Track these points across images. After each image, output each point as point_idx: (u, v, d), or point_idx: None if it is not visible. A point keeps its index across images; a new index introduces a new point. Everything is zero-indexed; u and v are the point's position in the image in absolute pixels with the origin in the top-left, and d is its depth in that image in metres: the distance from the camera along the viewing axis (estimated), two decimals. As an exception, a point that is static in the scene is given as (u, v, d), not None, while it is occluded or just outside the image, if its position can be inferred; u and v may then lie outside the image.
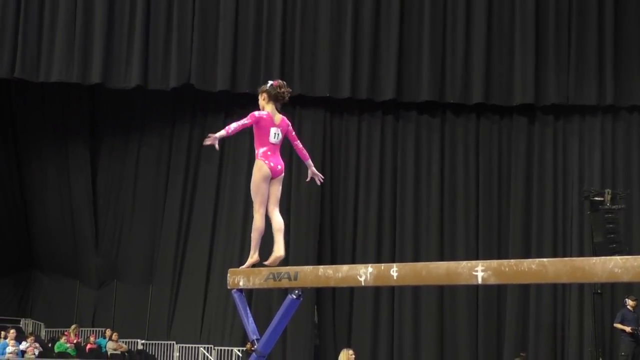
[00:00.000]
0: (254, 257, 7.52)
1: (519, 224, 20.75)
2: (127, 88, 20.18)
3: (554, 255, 19.26)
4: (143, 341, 21.60)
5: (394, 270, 6.02)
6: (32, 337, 19.74)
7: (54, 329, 22.45)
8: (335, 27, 20.47)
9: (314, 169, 7.78)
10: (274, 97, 7.54)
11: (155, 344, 21.45)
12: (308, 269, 6.99)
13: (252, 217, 7.61)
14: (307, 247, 20.50)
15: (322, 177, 7.88)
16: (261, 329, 7.29)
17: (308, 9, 20.50)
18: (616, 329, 17.47)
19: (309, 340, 20.50)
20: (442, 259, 18.84)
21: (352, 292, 20.49)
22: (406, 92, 20.63)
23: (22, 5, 19.45)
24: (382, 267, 6.18)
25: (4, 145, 23.29)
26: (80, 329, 21.51)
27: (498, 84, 20.64)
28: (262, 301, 19.58)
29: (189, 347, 20.82)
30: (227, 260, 19.87)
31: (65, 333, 20.58)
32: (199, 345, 20.65)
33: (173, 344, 21.14)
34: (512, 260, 5.49)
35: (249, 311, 7.40)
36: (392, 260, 19.80)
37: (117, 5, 19.90)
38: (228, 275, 7.55)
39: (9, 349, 18.59)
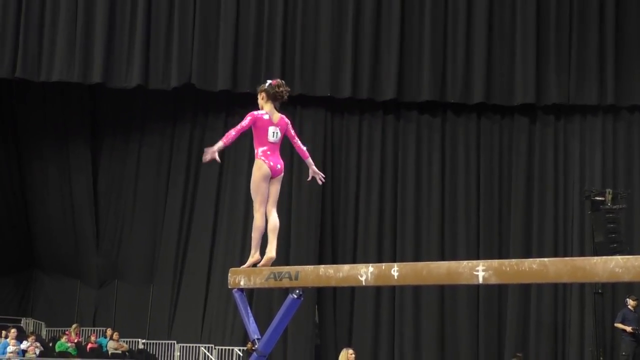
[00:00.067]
0: (254, 256, 7.52)
1: (520, 223, 20.75)
2: (128, 88, 20.19)
3: (555, 255, 19.26)
4: (144, 341, 21.61)
5: (395, 270, 6.03)
6: (33, 337, 19.74)
7: (55, 329, 22.46)
8: (336, 26, 20.47)
9: (314, 167, 7.75)
10: (272, 97, 7.56)
11: (156, 343, 21.46)
12: (309, 268, 6.99)
13: (252, 217, 7.60)
14: (308, 246, 20.51)
15: (324, 176, 7.84)
16: (262, 329, 7.30)
17: (309, 9, 20.50)
18: (617, 328, 17.47)
19: (310, 340, 20.51)
20: (442, 259, 18.84)
21: (353, 292, 20.49)
22: (407, 92, 20.63)
23: (23, 5, 19.45)
24: (383, 267, 6.18)
25: (5, 145, 23.30)
26: (81, 328, 21.52)
27: (499, 84, 20.64)
28: (263, 301, 19.59)
29: (189, 346, 20.82)
30: (228, 259, 19.88)
31: (66, 332, 20.59)
32: (200, 345, 20.65)
33: (174, 343, 21.14)
34: (513, 260, 5.49)
35: (249, 311, 7.40)
36: (393, 260, 19.81)
37: (118, 5, 19.90)
38: (229, 274, 7.55)
39: (10, 348, 18.60)
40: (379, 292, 20.46)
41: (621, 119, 20.87)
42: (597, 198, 18.21)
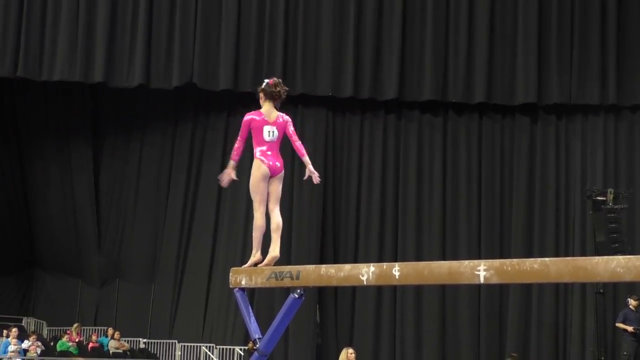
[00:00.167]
0: (256, 255, 7.53)
1: (521, 223, 20.74)
2: (129, 87, 20.18)
3: (556, 255, 19.27)
4: (145, 340, 21.61)
5: (396, 270, 6.02)
6: (35, 336, 19.72)
7: (56, 328, 22.47)
8: (338, 26, 20.46)
9: (311, 167, 7.68)
10: (270, 96, 7.59)
11: (157, 342, 21.46)
12: (310, 268, 6.98)
13: (254, 216, 7.61)
14: (310, 246, 20.51)
15: (319, 176, 7.77)
16: (263, 328, 7.30)
17: (310, 8, 20.50)
18: (618, 328, 17.47)
19: (311, 339, 20.51)
20: (444, 259, 18.84)
21: (354, 292, 20.49)
22: (408, 92, 20.62)
23: (24, 4, 19.45)
24: (385, 267, 6.18)
25: (6, 145, 23.31)
26: (83, 327, 21.52)
27: (500, 84, 20.63)
28: (264, 300, 19.59)
29: (191, 346, 20.82)
30: (229, 259, 19.89)
31: (68, 332, 20.58)
32: (201, 344, 20.66)
33: (175, 342, 21.14)
34: (514, 260, 5.49)
35: (251, 310, 7.41)
36: (394, 259, 19.81)
37: (119, 4, 19.89)
38: (230, 274, 7.56)
39: (11, 347, 18.59)
40: (380, 292, 20.46)
41: (623, 119, 20.87)
42: (599, 198, 18.22)
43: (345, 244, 20.92)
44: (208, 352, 20.44)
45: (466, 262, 5.71)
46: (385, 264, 6.22)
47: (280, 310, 7.12)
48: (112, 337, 20.77)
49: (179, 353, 20.95)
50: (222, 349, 20.43)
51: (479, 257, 19.31)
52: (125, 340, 21.04)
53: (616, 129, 20.88)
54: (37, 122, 22.99)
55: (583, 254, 19.07)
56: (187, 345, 20.88)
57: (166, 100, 21.87)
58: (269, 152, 7.51)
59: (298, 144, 7.61)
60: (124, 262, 22.74)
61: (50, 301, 23.49)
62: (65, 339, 20.06)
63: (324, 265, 7.03)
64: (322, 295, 20.59)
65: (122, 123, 22.70)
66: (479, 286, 18.87)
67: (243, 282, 7.36)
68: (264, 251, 7.52)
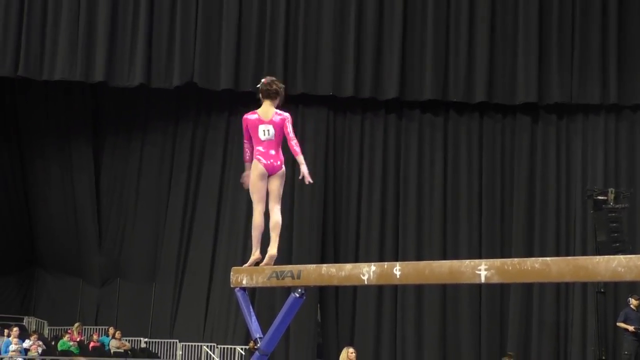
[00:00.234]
0: (255, 254, 7.54)
1: (522, 222, 20.75)
2: (130, 86, 20.19)
3: (557, 254, 19.27)
4: (146, 339, 21.61)
5: (397, 269, 6.02)
6: (36, 335, 19.73)
7: (57, 327, 22.48)
8: (339, 25, 20.46)
9: (304, 167, 7.51)
10: (266, 94, 7.60)
11: (158, 342, 21.46)
12: (311, 267, 6.98)
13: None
14: (310, 245, 20.51)
15: (311, 180, 7.67)
16: (264, 328, 7.29)
17: (311, 8, 20.50)
18: (619, 328, 17.48)
19: (312, 338, 20.52)
20: (445, 258, 18.82)
21: (355, 291, 20.49)
22: (409, 91, 20.63)
23: (25, 4, 19.45)
24: (385, 266, 6.18)
25: (7, 144, 23.32)
26: (84, 327, 21.51)
27: (501, 83, 20.63)
28: (265, 300, 19.59)
29: (192, 345, 20.83)
30: (230, 258, 19.90)
31: (69, 331, 20.59)
32: (202, 344, 20.66)
33: (176, 342, 21.14)
34: (515, 259, 5.49)
35: (252, 310, 7.40)
36: (395, 259, 19.82)
37: (120, 3, 19.90)
38: (231, 273, 7.56)
39: (12, 347, 18.59)
40: (381, 291, 20.46)
41: (624, 118, 20.87)
42: (600, 197, 18.22)
43: (346, 243, 20.93)
44: (209, 352, 20.45)
45: (467, 261, 5.71)
46: (386, 263, 6.22)
47: (281, 309, 7.12)
48: (113, 337, 20.77)
49: (180, 352, 20.96)
50: (223, 348, 20.44)
51: (480, 257, 19.32)
52: (126, 340, 21.04)
53: (617, 128, 20.88)
54: (38, 122, 23.00)
55: (584, 253, 19.05)
56: (188, 345, 20.88)
57: (167, 100, 21.87)
58: (265, 151, 7.51)
59: (293, 143, 7.49)
60: (125, 261, 22.75)
61: (51, 301, 23.50)
62: (66, 338, 20.06)
63: (324, 265, 7.02)
64: (323, 294, 20.60)
65: (123, 122, 22.71)
66: (479, 286, 18.87)
67: (244, 282, 7.36)
68: (265, 250, 7.52)
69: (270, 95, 7.59)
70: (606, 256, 5.01)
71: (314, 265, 7.14)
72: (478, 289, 20.27)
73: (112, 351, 20.41)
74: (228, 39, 20.13)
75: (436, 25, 20.61)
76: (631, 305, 17.12)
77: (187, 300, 21.55)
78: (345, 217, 21.01)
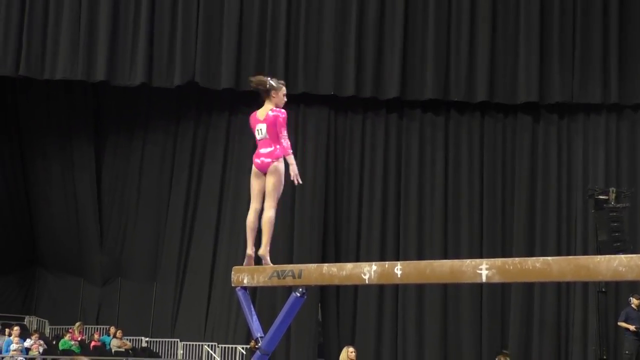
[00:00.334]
0: (247, 252, 7.63)
1: (523, 222, 20.74)
2: (131, 86, 20.19)
3: (558, 254, 19.25)
4: (147, 339, 21.62)
5: (398, 269, 6.03)
6: (37, 335, 19.74)
7: (59, 327, 22.48)
8: (340, 25, 20.46)
9: (293, 168, 7.49)
10: (261, 94, 7.65)
11: (159, 341, 21.47)
12: (312, 266, 6.99)
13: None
14: (311, 245, 20.51)
15: (300, 180, 7.63)
16: (265, 327, 7.30)
17: (312, 7, 20.50)
18: (620, 327, 17.47)
19: (313, 338, 20.52)
20: (446, 258, 18.82)
21: (356, 290, 20.50)
22: (410, 91, 20.62)
23: (26, 3, 19.46)
24: (386, 265, 6.18)
25: (8, 143, 23.33)
26: (85, 326, 21.52)
27: (502, 83, 20.63)
28: (266, 299, 19.59)
29: (193, 344, 20.83)
30: (231, 257, 19.89)
31: (70, 330, 20.60)
32: (203, 343, 20.67)
33: (177, 341, 21.16)
34: (516, 259, 5.49)
35: (253, 309, 7.42)
36: (396, 258, 19.81)
37: (121, 2, 19.90)
38: (232, 273, 7.58)
39: (13, 346, 18.61)
40: (382, 291, 20.47)
41: (625, 118, 20.86)
42: (601, 197, 18.20)
43: (347, 242, 20.93)
44: (210, 351, 20.46)
45: (468, 261, 5.72)
46: (387, 262, 6.23)
47: (282, 309, 7.13)
48: (114, 336, 20.77)
49: (181, 352, 20.96)
50: (224, 347, 20.45)
51: (481, 256, 19.33)
52: (127, 339, 21.05)
53: (618, 127, 20.87)
54: (39, 121, 23.00)
55: (585, 253, 19.06)
56: (189, 344, 20.89)
57: (168, 99, 21.88)
58: (258, 150, 7.57)
59: (283, 142, 7.48)
60: (126, 260, 22.75)
61: (53, 300, 23.50)
62: (67, 337, 20.08)
63: (325, 264, 7.03)
64: (324, 294, 20.60)
65: (124, 121, 22.71)
66: (480, 285, 18.88)
67: (245, 281, 7.37)
68: (270, 250, 7.57)
69: (261, 93, 7.64)
70: (607, 256, 5.02)
71: (315, 265, 7.15)
72: (479, 289, 20.27)
73: (113, 350, 20.42)
74: (229, 38, 20.13)
75: (437, 24, 20.61)
76: (632, 305, 17.11)
77: (188, 300, 21.55)
78: (346, 216, 21.01)
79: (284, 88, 7.68)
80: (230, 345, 20.37)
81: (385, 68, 20.49)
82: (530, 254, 19.59)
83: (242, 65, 20.14)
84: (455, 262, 5.78)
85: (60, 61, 19.56)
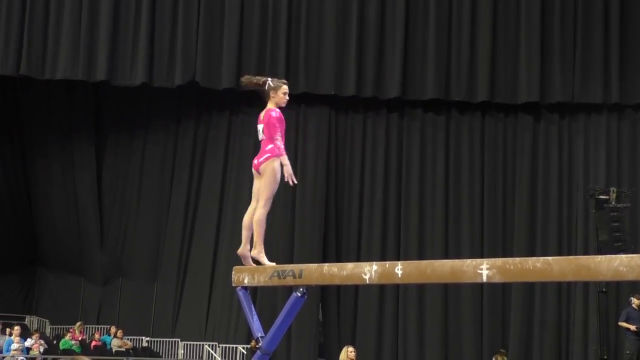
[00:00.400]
0: (239, 250, 7.68)
1: (524, 222, 20.74)
2: (132, 85, 20.19)
3: (559, 254, 19.25)
4: (148, 338, 21.62)
5: (399, 268, 6.03)
6: (37, 334, 19.75)
7: (59, 326, 22.48)
8: (341, 24, 20.46)
9: (287, 169, 7.46)
10: (262, 94, 7.68)
11: (160, 341, 21.48)
12: (313, 266, 6.99)
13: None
14: (312, 244, 20.51)
15: (295, 180, 7.60)
16: (266, 327, 7.30)
17: (313, 7, 20.50)
18: (621, 327, 17.47)
19: (314, 338, 20.52)
20: (446, 257, 18.82)
21: (356, 290, 20.49)
22: (411, 90, 20.62)
23: (27, 3, 19.46)
24: (387, 265, 6.19)
25: (9, 143, 23.33)
26: (85, 326, 21.53)
27: (503, 82, 20.62)
28: (267, 299, 19.59)
29: (193, 344, 20.84)
30: (231, 257, 19.78)
31: (71, 330, 20.61)
32: (204, 343, 20.67)
33: (178, 341, 21.16)
34: (517, 259, 5.49)
35: (253, 309, 7.42)
36: (397, 258, 19.81)
37: (122, 2, 19.90)
38: (233, 272, 7.57)
39: (14, 345, 18.61)
40: (383, 291, 20.46)
41: (626, 118, 20.85)
42: (602, 196, 18.20)
43: (347, 242, 20.92)
44: (211, 351, 20.46)
45: (469, 260, 5.72)
46: (387, 262, 6.23)
47: (282, 308, 7.13)
48: (115, 336, 20.78)
49: (182, 351, 20.97)
50: (225, 347, 20.45)
51: (482, 256, 19.32)
52: (127, 339, 21.05)
53: (619, 127, 20.86)
54: (40, 120, 23.01)
55: (586, 252, 19.05)
56: (190, 344, 20.89)
57: (169, 99, 21.89)
58: (259, 151, 7.59)
59: (277, 142, 7.44)
60: (127, 260, 22.75)
61: (53, 299, 23.50)
62: (68, 337, 20.09)
63: (326, 264, 7.03)
64: (325, 293, 20.60)
65: (125, 121, 22.72)
66: (481, 285, 18.87)
67: (246, 281, 7.37)
68: (267, 251, 7.57)
69: (259, 95, 7.67)
70: (608, 255, 5.02)
71: (316, 265, 7.15)
72: (480, 288, 20.27)
73: (113, 350, 20.42)
74: (230, 38, 20.13)
75: (438, 24, 20.60)
76: (633, 305, 17.11)
77: (188, 299, 21.55)
78: (347, 216, 21.00)
79: (283, 87, 7.63)
80: (231, 345, 20.38)
81: (386, 68, 20.49)
82: (531, 253, 19.58)
83: (242, 65, 20.13)
84: (456, 262, 5.78)
85: (61, 61, 19.57)
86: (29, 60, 19.43)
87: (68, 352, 19.38)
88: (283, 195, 19.37)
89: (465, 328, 20.48)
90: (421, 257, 19.57)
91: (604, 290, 18.45)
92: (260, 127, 7.57)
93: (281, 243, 20.39)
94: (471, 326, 20.47)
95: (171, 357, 21.01)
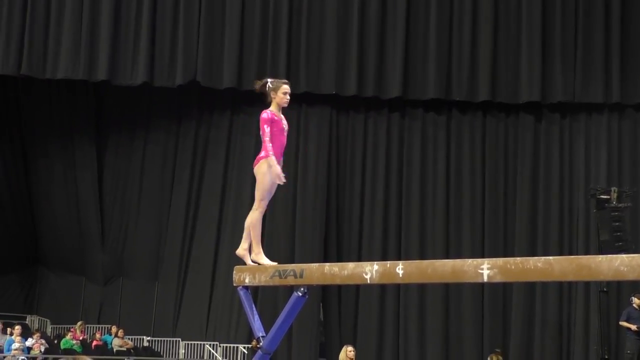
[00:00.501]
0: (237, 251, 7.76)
1: (525, 222, 20.73)
2: (133, 85, 20.20)
3: (560, 254, 19.24)
4: (149, 338, 21.63)
5: (400, 268, 6.03)
6: (38, 334, 19.76)
7: (60, 326, 22.50)
8: (342, 24, 20.46)
9: (272, 169, 7.44)
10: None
11: (161, 340, 21.48)
12: (314, 266, 6.99)
13: (262, 215, 7.80)
14: (313, 244, 20.51)
15: (284, 180, 7.58)
16: (267, 327, 7.30)
17: (314, 7, 20.50)
18: (622, 327, 17.46)
19: (315, 337, 20.52)
20: (447, 257, 18.81)
21: (357, 290, 20.49)
22: (412, 90, 20.62)
23: (28, 2, 19.47)
24: (388, 265, 6.19)
25: (10, 143, 23.33)
26: (86, 325, 21.54)
27: (504, 82, 20.62)
28: (268, 298, 19.59)
29: (194, 344, 20.84)
30: (232, 257, 19.68)
31: (71, 330, 20.61)
32: (205, 343, 20.68)
33: (179, 340, 21.16)
34: (518, 258, 5.50)
35: (254, 308, 7.42)
36: (398, 258, 19.80)
37: (123, 2, 19.91)
38: (234, 272, 7.58)
39: (15, 345, 18.60)
40: (384, 290, 20.46)
41: (627, 117, 20.85)
42: (603, 196, 18.18)
43: (348, 242, 20.92)
44: (212, 350, 20.46)
45: (470, 260, 5.72)
46: (388, 262, 6.23)
47: (283, 308, 7.13)
48: (116, 335, 20.79)
49: (183, 351, 20.97)
50: (226, 347, 20.45)
51: (483, 256, 19.32)
52: (129, 338, 21.06)
53: (620, 127, 20.86)
54: (41, 120, 23.02)
55: (587, 252, 19.04)
56: (191, 344, 20.90)
57: (170, 99, 21.89)
58: None
59: (265, 144, 7.42)
60: (128, 260, 22.76)
61: (54, 299, 23.51)
62: (69, 336, 20.09)
63: (327, 264, 7.03)
64: (326, 293, 20.59)
65: (126, 121, 22.72)
66: (482, 285, 18.87)
67: (247, 280, 7.37)
68: (267, 252, 7.59)
69: (261, 95, 7.67)
70: (609, 255, 5.02)
71: (317, 264, 7.15)
72: (481, 288, 20.27)
73: (114, 350, 20.43)
74: (231, 37, 20.14)
75: (439, 24, 20.60)
76: (634, 304, 17.09)
77: (189, 299, 21.56)
78: (348, 216, 21.00)
79: (283, 87, 7.58)
80: (231, 345, 20.38)
81: (387, 67, 20.49)
82: (532, 253, 19.57)
83: (243, 65, 20.15)
84: (457, 262, 5.78)
85: (62, 60, 19.58)
86: (30, 60, 19.44)
87: (69, 351, 19.38)
88: (284, 195, 19.38)
89: (466, 328, 20.48)
90: (422, 256, 19.57)
91: (604, 290, 18.44)
92: None
93: (282, 243, 20.41)
94: (472, 326, 20.46)
95: (172, 356, 21.01)
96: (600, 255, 5.11)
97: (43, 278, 23.95)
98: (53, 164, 23.15)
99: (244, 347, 20.00)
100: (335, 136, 21.16)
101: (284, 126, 7.54)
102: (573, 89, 20.47)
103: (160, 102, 22.22)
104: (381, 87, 20.51)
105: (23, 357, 18.43)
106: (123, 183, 22.91)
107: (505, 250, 20.47)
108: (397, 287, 20.09)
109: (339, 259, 19.97)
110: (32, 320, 23.26)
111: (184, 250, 21.79)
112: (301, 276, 6.79)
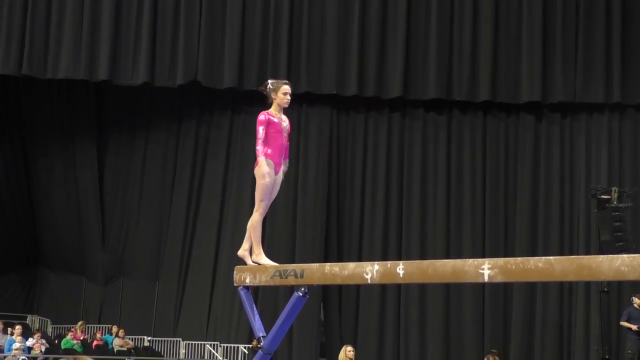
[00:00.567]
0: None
1: (526, 222, 20.73)
2: (134, 85, 20.20)
3: (561, 254, 19.23)
4: (149, 338, 21.63)
5: (400, 268, 6.03)
6: (39, 334, 19.76)
7: (61, 326, 22.50)
8: (342, 24, 20.46)
9: (259, 168, 7.53)
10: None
11: (161, 340, 21.48)
12: (314, 266, 6.99)
13: (260, 215, 7.77)
14: (314, 244, 20.51)
15: (271, 178, 7.64)
16: (267, 327, 7.30)
17: (315, 6, 20.49)
18: (622, 327, 17.45)
19: (315, 337, 20.51)
20: (448, 257, 18.81)
21: (358, 290, 20.49)
22: (413, 90, 20.62)
23: (29, 2, 19.47)
24: (389, 265, 6.19)
25: (10, 143, 23.35)
26: (87, 325, 21.54)
27: (505, 82, 20.61)
28: (268, 298, 19.59)
29: (195, 344, 20.84)
30: (233, 257, 19.69)
31: (72, 329, 20.60)
32: (205, 342, 20.68)
33: (179, 340, 21.16)
34: (518, 258, 5.49)
35: (255, 308, 7.42)
36: (399, 258, 19.79)
37: (124, 2, 19.91)
38: (234, 272, 7.58)
39: (16, 345, 18.61)
40: (385, 290, 20.46)
41: (627, 117, 20.84)
42: (603, 196, 18.18)
43: (349, 242, 20.92)
44: (212, 350, 20.47)
45: (470, 260, 5.72)
46: (389, 262, 6.23)
47: (284, 308, 7.13)
48: (117, 335, 20.79)
49: (184, 351, 20.97)
50: (227, 347, 20.45)
51: (483, 256, 19.32)
52: (129, 338, 21.06)
53: (621, 127, 20.85)
54: (41, 120, 23.03)
55: (587, 252, 19.03)
56: (192, 343, 20.90)
57: (170, 98, 21.89)
58: None
59: (256, 145, 7.49)
60: (128, 259, 22.77)
61: (55, 299, 23.52)
62: (69, 336, 20.09)
63: (328, 264, 7.03)
64: (326, 293, 20.59)
65: (127, 121, 22.73)
66: (483, 285, 18.86)
67: (247, 280, 7.37)
68: (267, 253, 7.59)
69: (261, 95, 7.68)
70: (610, 255, 5.02)
71: (317, 264, 7.15)
72: (481, 288, 20.27)
73: (115, 350, 20.43)
74: (232, 37, 20.13)
75: (440, 24, 20.59)
76: (634, 305, 17.09)
77: (190, 299, 21.56)
78: (348, 216, 21.00)
79: (283, 87, 7.58)
80: (232, 345, 20.38)
81: (387, 67, 20.49)
82: (533, 253, 19.56)
83: (244, 65, 20.15)
84: (458, 262, 5.78)
85: (62, 60, 19.58)
86: (31, 59, 19.44)
87: (69, 351, 19.38)
88: (285, 195, 19.37)
89: (466, 328, 20.48)
90: (423, 256, 19.57)
91: (605, 290, 18.43)
92: None
93: (283, 243, 20.41)
94: (472, 326, 20.46)
95: (173, 356, 21.02)
96: (601, 255, 5.11)
97: (43, 278, 23.96)
98: (53, 164, 23.16)
99: (245, 347, 20.00)
100: (335, 136, 21.16)
101: (284, 127, 7.53)
102: (574, 89, 20.47)
103: (160, 102, 22.22)
104: (382, 87, 20.51)
105: (24, 357, 18.43)
106: (123, 183, 22.91)
107: (505, 250, 20.47)
108: (398, 287, 20.09)
109: (340, 259, 19.96)
110: (33, 320, 23.27)
111: (185, 250, 21.79)
112: (302, 276, 6.79)
